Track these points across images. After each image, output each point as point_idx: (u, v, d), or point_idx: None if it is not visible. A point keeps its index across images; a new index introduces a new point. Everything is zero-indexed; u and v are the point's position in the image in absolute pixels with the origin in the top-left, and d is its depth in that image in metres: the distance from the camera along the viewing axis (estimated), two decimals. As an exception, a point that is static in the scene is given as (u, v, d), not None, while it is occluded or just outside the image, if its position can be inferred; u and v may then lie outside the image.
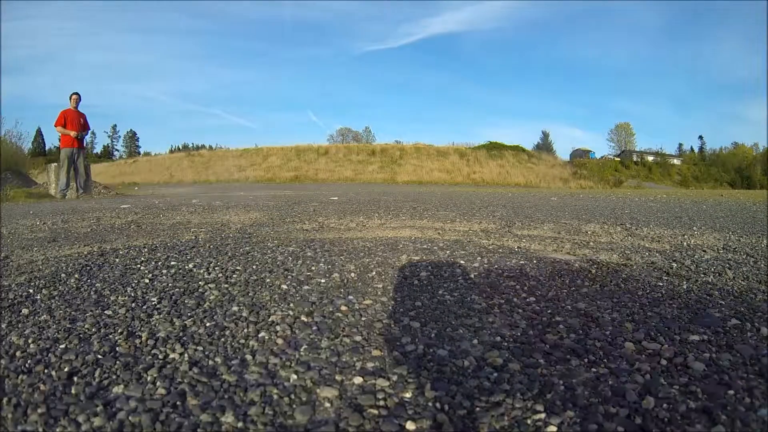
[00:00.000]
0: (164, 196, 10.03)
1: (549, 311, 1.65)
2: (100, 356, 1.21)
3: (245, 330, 1.42)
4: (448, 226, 4.37)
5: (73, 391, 1.03)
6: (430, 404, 1.02)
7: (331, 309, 1.64)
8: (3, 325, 1.42)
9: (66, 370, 1.12)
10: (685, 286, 1.99)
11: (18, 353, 1.21)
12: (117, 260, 2.40)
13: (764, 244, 3.30)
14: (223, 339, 1.35)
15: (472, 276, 2.17)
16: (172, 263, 2.34)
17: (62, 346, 1.27)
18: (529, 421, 0.95)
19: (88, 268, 2.22)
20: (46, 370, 1.12)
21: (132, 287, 1.88)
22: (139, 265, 2.28)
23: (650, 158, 44.20)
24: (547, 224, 4.61)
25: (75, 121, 8.36)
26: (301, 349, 1.28)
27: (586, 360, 1.24)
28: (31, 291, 1.80)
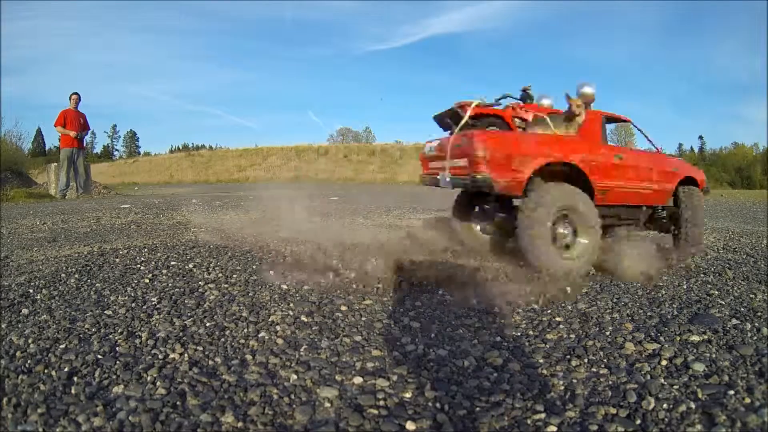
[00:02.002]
0: (164, 196, 10.04)
1: (549, 311, 1.65)
2: (100, 356, 1.21)
3: (245, 330, 1.42)
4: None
5: (73, 391, 1.03)
6: (430, 404, 1.02)
7: (331, 309, 1.64)
8: (3, 325, 1.42)
9: (66, 370, 1.12)
10: (685, 286, 1.99)
11: (18, 353, 1.21)
12: (117, 260, 2.40)
13: (764, 244, 3.30)
14: (223, 339, 1.35)
15: (472, 276, 2.17)
16: (172, 263, 2.34)
17: (62, 346, 1.27)
18: (529, 421, 0.95)
19: (88, 268, 2.22)
20: (46, 370, 1.12)
21: (132, 287, 1.88)
22: (139, 265, 2.28)
23: (650, 158, 44.11)
24: (547, 224, 4.60)
25: (75, 121, 8.35)
26: (301, 349, 1.28)
27: (586, 360, 1.24)
28: (31, 291, 1.80)
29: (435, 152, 2.71)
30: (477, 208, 2.95)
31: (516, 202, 2.35)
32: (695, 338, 1.36)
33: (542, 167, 2.23)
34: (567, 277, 2.02)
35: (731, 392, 1.03)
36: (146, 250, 2.72)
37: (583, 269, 2.19)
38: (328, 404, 1.00)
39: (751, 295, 1.83)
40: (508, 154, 2.18)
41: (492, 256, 2.65)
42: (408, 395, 1.05)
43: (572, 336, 1.41)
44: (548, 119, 2.55)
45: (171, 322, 1.46)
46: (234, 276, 2.08)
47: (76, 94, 8.52)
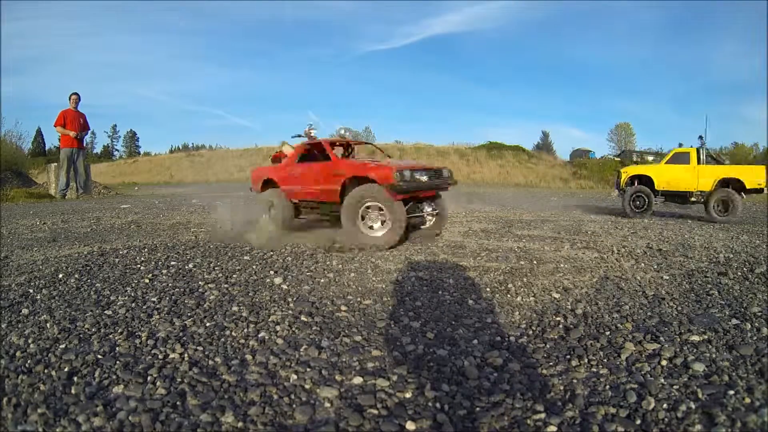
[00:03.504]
0: (164, 196, 10.03)
1: (549, 311, 1.65)
2: (100, 356, 1.21)
3: (245, 330, 1.42)
4: (448, 225, 4.37)
5: (73, 391, 1.03)
6: (430, 404, 1.02)
7: (331, 309, 1.64)
8: (3, 325, 1.42)
9: (66, 370, 1.13)
10: (685, 286, 1.99)
11: (18, 353, 1.21)
12: (117, 260, 2.40)
13: (764, 244, 3.30)
14: (223, 339, 1.35)
15: (472, 276, 2.17)
16: (172, 263, 2.34)
17: (62, 346, 1.27)
18: (529, 421, 0.95)
19: (88, 268, 2.22)
20: (46, 370, 1.12)
21: (132, 287, 1.88)
22: (139, 265, 2.28)
23: (650, 158, 44.04)
24: (547, 224, 4.60)
25: (75, 121, 8.35)
26: (301, 349, 1.28)
27: (586, 360, 1.24)
28: (31, 291, 1.80)
29: None
30: None
31: None
32: (695, 338, 1.36)
33: None
34: None
35: (731, 392, 1.03)
36: (146, 250, 2.72)
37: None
38: (328, 404, 1.00)
39: (750, 295, 1.83)
40: None
41: (489, 256, 2.65)
42: (408, 395, 1.05)
43: (572, 336, 1.41)
44: None
45: (171, 322, 1.47)
46: (234, 276, 2.09)
47: (76, 94, 8.51)
